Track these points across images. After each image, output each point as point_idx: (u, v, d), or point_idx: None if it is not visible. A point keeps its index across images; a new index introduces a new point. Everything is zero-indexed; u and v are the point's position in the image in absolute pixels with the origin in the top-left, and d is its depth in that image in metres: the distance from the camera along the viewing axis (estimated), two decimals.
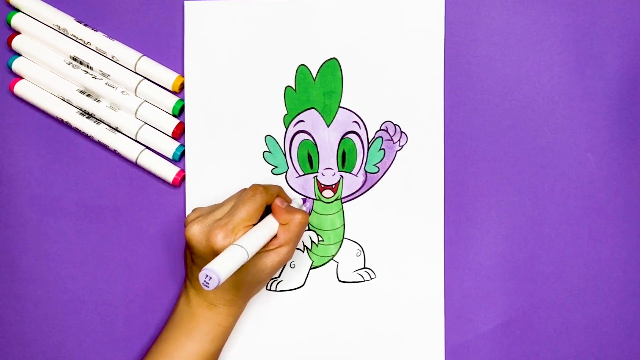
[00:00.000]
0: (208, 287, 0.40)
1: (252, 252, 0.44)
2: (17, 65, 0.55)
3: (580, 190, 0.53)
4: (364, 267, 0.54)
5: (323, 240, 0.54)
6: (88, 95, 0.55)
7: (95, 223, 0.56)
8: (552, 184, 0.53)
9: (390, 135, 0.53)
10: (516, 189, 0.53)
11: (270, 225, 0.48)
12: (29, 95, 0.55)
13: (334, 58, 0.54)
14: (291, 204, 0.52)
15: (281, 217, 0.48)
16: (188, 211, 0.54)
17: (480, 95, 0.53)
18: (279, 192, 0.51)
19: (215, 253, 0.45)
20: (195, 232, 0.47)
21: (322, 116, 0.54)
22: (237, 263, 0.42)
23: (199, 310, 0.49)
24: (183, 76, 0.54)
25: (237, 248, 0.43)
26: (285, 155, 0.54)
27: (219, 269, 0.40)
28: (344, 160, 0.54)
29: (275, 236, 0.48)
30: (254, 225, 0.47)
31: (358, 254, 0.54)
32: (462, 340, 0.54)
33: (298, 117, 0.54)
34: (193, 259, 0.48)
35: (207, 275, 0.40)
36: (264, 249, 0.47)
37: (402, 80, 0.53)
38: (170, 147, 0.54)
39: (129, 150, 0.54)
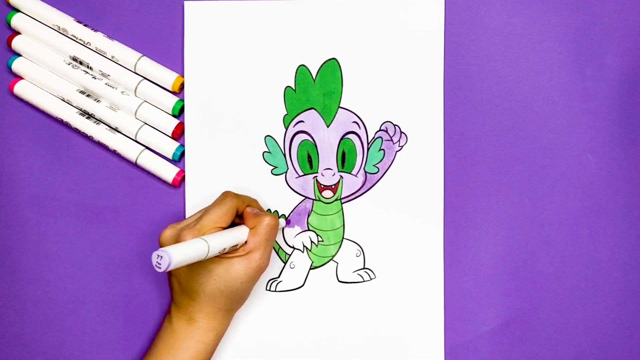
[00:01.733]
0: (160, 268, 0.39)
1: (214, 247, 0.44)
2: (17, 65, 0.56)
3: (580, 190, 0.53)
4: (364, 268, 0.54)
5: (323, 241, 0.54)
6: (88, 96, 0.55)
7: (95, 223, 0.56)
8: (552, 184, 0.53)
9: (390, 135, 0.53)
10: (516, 189, 0.53)
11: (240, 230, 0.48)
12: (29, 96, 0.55)
13: (334, 58, 0.54)
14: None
15: (249, 221, 0.49)
16: (188, 211, 0.54)
17: (480, 95, 0.53)
18: (251, 202, 0.51)
19: None
20: (166, 235, 0.48)
21: (321, 116, 0.54)
22: (193, 251, 0.42)
23: (178, 326, 0.49)
24: (183, 76, 0.54)
25: (198, 240, 0.43)
26: (285, 155, 0.54)
27: (172, 251, 0.40)
28: (344, 160, 0.54)
29: (245, 243, 0.48)
30: (224, 229, 0.47)
31: (358, 255, 0.54)
32: (462, 340, 0.54)
33: (298, 117, 0.54)
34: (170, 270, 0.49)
35: (158, 255, 0.39)
36: (235, 254, 0.47)
37: (402, 81, 0.53)
38: (170, 147, 0.54)
39: (129, 150, 0.54)
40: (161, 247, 0.48)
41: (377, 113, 0.53)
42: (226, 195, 0.49)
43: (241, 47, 0.54)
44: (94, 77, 0.55)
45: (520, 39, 0.53)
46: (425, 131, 0.53)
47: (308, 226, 0.54)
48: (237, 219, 0.50)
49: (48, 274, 0.56)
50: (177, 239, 0.47)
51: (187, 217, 0.54)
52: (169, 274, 0.50)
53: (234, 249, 0.48)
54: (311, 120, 0.54)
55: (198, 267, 0.47)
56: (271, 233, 0.49)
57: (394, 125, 0.53)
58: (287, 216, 0.54)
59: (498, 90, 0.53)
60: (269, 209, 0.54)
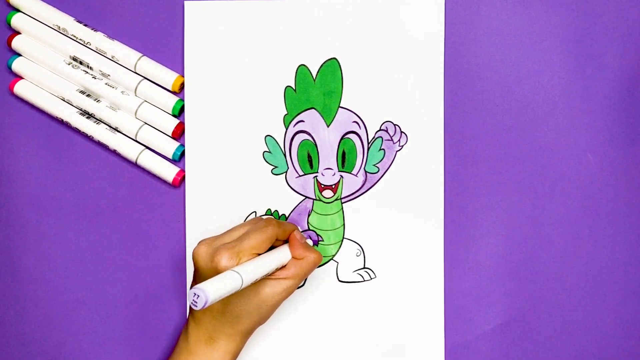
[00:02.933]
0: (196, 306, 0.39)
1: (248, 279, 0.43)
2: (17, 65, 0.56)
3: (580, 190, 0.53)
4: (364, 267, 0.54)
5: (323, 240, 0.54)
6: (88, 95, 0.55)
7: (95, 223, 0.56)
8: (552, 184, 0.53)
9: (390, 135, 0.53)
10: (516, 189, 0.53)
11: (278, 256, 0.48)
12: (29, 95, 0.55)
13: (334, 58, 0.54)
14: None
15: (297, 250, 0.49)
16: (188, 211, 0.54)
17: (480, 95, 0.53)
18: (293, 230, 0.51)
19: (218, 274, 0.44)
20: (202, 252, 0.47)
21: (322, 116, 0.54)
22: (229, 287, 0.41)
23: (196, 346, 0.48)
24: (183, 76, 0.54)
25: (232, 273, 0.43)
26: (285, 155, 0.54)
27: (208, 288, 0.40)
28: (344, 160, 0.54)
29: (283, 267, 0.48)
30: (260, 255, 0.47)
31: (358, 254, 0.54)
32: (462, 340, 0.54)
33: (298, 117, 0.54)
34: (196, 281, 0.48)
35: (195, 294, 0.39)
36: (270, 277, 0.47)
37: (402, 80, 0.53)
38: (170, 147, 0.54)
39: (129, 150, 0.54)
40: (195, 263, 0.47)
41: (377, 113, 0.53)
42: (269, 222, 0.48)
43: (241, 47, 0.54)
44: (94, 77, 0.55)
45: (520, 39, 0.53)
46: (425, 131, 0.53)
47: (308, 226, 0.54)
48: (280, 243, 0.50)
49: (48, 274, 0.56)
50: (213, 257, 0.45)
51: (187, 218, 0.54)
52: (191, 287, 0.49)
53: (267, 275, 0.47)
54: (311, 120, 0.54)
55: None
56: (313, 269, 0.49)
57: (394, 125, 0.53)
58: (287, 216, 0.54)
59: (498, 90, 0.53)
60: (268, 209, 0.54)
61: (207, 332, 0.48)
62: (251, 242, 0.46)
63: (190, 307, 0.50)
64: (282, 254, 0.48)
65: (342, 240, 0.54)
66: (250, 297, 0.46)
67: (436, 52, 0.53)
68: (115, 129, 0.55)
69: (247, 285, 0.43)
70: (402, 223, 0.54)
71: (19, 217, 0.56)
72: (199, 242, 0.48)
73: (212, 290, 0.40)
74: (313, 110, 0.54)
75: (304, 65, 0.54)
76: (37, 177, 0.56)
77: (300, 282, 0.49)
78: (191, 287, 0.49)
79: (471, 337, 0.54)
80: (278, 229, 0.48)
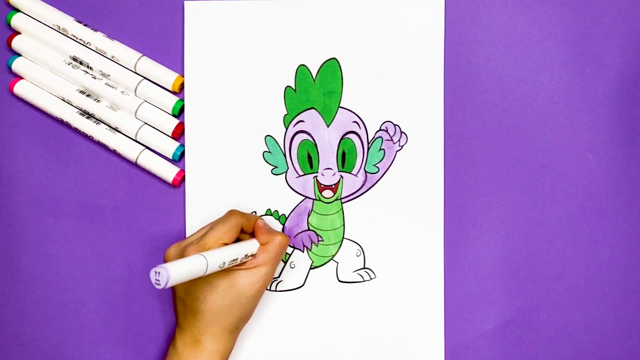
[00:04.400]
0: (159, 284, 0.39)
1: (213, 262, 0.43)
2: (17, 65, 0.56)
3: (580, 190, 0.53)
4: (364, 267, 0.54)
5: (323, 240, 0.54)
6: (88, 95, 0.55)
7: (95, 223, 0.56)
8: (552, 184, 0.53)
9: (390, 135, 0.53)
10: (516, 189, 0.53)
11: (245, 245, 0.48)
12: (29, 95, 0.55)
13: (334, 58, 0.54)
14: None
15: (262, 236, 0.49)
16: (188, 211, 0.54)
17: (480, 95, 0.53)
18: (256, 221, 0.51)
19: None
20: (170, 253, 0.48)
21: (322, 116, 0.54)
22: (193, 267, 0.41)
23: (183, 350, 0.48)
24: (183, 76, 0.54)
25: (196, 256, 0.43)
26: (285, 155, 0.54)
27: (169, 267, 0.39)
28: (344, 160, 0.54)
29: (253, 256, 0.48)
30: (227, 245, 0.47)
31: (358, 254, 0.54)
32: (462, 340, 0.54)
33: (298, 117, 0.54)
34: (173, 289, 0.49)
35: (156, 272, 0.39)
36: (241, 268, 0.47)
37: (402, 80, 0.53)
38: (170, 147, 0.54)
39: (129, 150, 0.54)
40: (164, 259, 0.48)
41: (377, 113, 0.53)
42: (231, 213, 0.49)
43: (241, 47, 0.54)
44: (94, 77, 0.55)
45: (520, 39, 0.53)
46: (425, 131, 0.53)
47: (308, 226, 0.54)
48: (242, 235, 0.50)
49: (48, 274, 0.56)
50: (181, 255, 0.47)
51: (187, 218, 0.54)
52: (173, 297, 0.50)
53: (239, 263, 0.47)
54: (311, 120, 0.54)
55: (202, 283, 0.47)
56: (282, 251, 0.49)
57: (394, 125, 0.53)
58: (287, 216, 0.54)
59: (498, 90, 0.53)
60: (268, 209, 0.54)
61: (192, 335, 0.48)
62: (215, 233, 0.47)
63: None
64: (250, 244, 0.49)
65: (342, 241, 0.54)
66: (226, 290, 0.47)
67: (436, 52, 0.53)
68: (115, 129, 0.55)
69: (214, 270, 0.44)
70: (402, 223, 0.54)
71: (19, 217, 0.56)
72: (170, 247, 0.49)
73: (174, 268, 0.39)
74: (313, 110, 0.54)
75: (304, 65, 0.54)
76: (37, 177, 0.56)
77: (273, 268, 0.49)
78: (174, 297, 0.50)
79: (471, 337, 0.54)
80: (241, 219, 0.49)
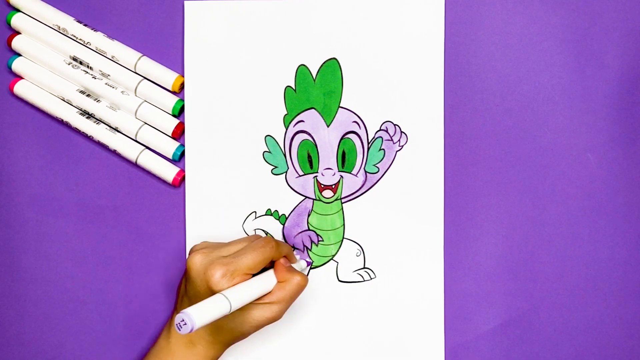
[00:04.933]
0: (180, 331, 0.40)
1: (236, 306, 0.43)
2: (17, 65, 0.56)
3: (580, 190, 0.53)
4: (364, 267, 0.54)
5: (323, 240, 0.54)
6: (88, 95, 0.55)
7: (95, 223, 0.56)
8: (552, 184, 0.53)
9: (390, 135, 0.53)
10: (516, 189, 0.53)
11: (266, 280, 0.47)
12: (29, 95, 0.55)
13: (334, 58, 0.54)
14: (295, 264, 0.52)
15: (281, 274, 0.48)
16: (188, 211, 0.54)
17: (480, 95, 0.53)
18: (288, 253, 0.50)
19: (209, 288, 0.45)
20: (197, 261, 0.46)
21: (322, 116, 0.54)
22: (216, 314, 0.42)
23: (176, 347, 0.48)
24: (183, 76, 0.54)
25: (222, 298, 0.43)
26: (285, 155, 0.54)
27: (195, 317, 0.40)
28: (344, 160, 0.54)
29: (269, 292, 0.48)
30: (254, 275, 0.47)
31: (358, 254, 0.54)
32: (462, 340, 0.54)
33: (298, 117, 0.54)
34: (187, 288, 0.48)
35: (182, 320, 0.40)
36: (256, 302, 0.47)
37: (402, 80, 0.53)
38: (170, 147, 0.54)
39: (129, 150, 0.54)
40: (187, 270, 0.47)
41: (377, 113, 0.53)
42: (268, 242, 0.48)
43: (241, 47, 0.54)
44: (94, 77, 0.55)
45: (520, 39, 0.53)
46: (425, 131, 0.53)
47: (308, 226, 0.54)
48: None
49: (48, 274, 0.56)
50: (207, 269, 0.45)
51: (187, 218, 0.54)
52: (182, 290, 0.49)
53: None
54: (311, 120, 0.54)
55: None
56: (298, 292, 0.48)
57: (394, 125, 0.53)
58: (287, 216, 0.54)
59: (498, 90, 0.53)
60: (268, 209, 0.54)
61: (188, 335, 0.48)
62: (247, 262, 0.46)
63: (175, 304, 0.50)
64: (270, 279, 0.48)
65: (342, 240, 0.54)
66: (236, 315, 0.46)
67: (436, 52, 0.53)
68: (115, 129, 0.55)
69: (235, 309, 0.44)
70: (402, 223, 0.54)
71: (19, 217, 0.56)
72: (195, 250, 0.48)
73: (199, 317, 0.40)
74: (313, 110, 0.54)
75: (304, 65, 0.54)
76: (37, 177, 0.56)
77: (286, 307, 0.48)
78: (183, 294, 0.49)
79: (471, 337, 0.54)
80: (276, 251, 0.48)
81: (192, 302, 0.47)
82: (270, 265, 0.49)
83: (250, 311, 0.46)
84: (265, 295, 0.47)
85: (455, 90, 0.53)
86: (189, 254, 0.47)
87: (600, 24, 0.52)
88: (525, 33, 0.53)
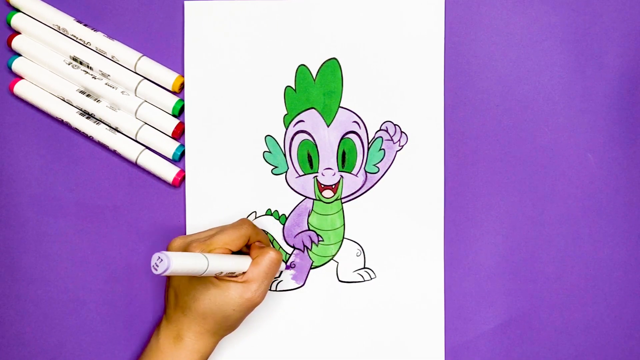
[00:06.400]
0: (157, 270, 0.39)
1: (214, 266, 0.44)
2: (17, 65, 0.55)
3: (580, 190, 0.53)
4: (364, 267, 0.54)
5: (323, 240, 0.54)
6: (88, 95, 0.55)
7: (95, 223, 0.56)
8: (552, 184, 0.53)
9: (390, 135, 0.53)
10: (516, 189, 0.53)
11: (243, 259, 0.48)
12: (29, 95, 0.55)
13: (334, 58, 0.54)
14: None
15: (254, 251, 0.49)
16: (188, 211, 0.54)
17: (480, 95, 0.53)
18: (264, 239, 0.51)
19: None
20: (175, 244, 0.49)
21: (322, 116, 0.54)
22: (193, 264, 0.42)
23: (165, 344, 0.49)
24: (183, 76, 0.54)
25: (199, 255, 0.43)
26: (285, 155, 0.54)
27: (172, 257, 0.40)
28: (344, 160, 0.54)
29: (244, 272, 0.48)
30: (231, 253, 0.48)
31: (358, 254, 0.54)
32: (462, 340, 0.54)
33: (298, 117, 0.54)
34: (170, 278, 0.49)
35: (159, 257, 0.39)
36: (232, 279, 0.47)
37: (402, 80, 0.53)
38: (170, 147, 0.54)
39: (129, 150, 0.54)
40: (167, 249, 0.49)
41: (377, 113, 0.53)
42: (244, 221, 0.50)
43: (241, 47, 0.54)
44: (94, 77, 0.55)
45: (520, 39, 0.53)
46: (425, 131, 0.53)
47: (308, 226, 0.54)
48: (244, 249, 0.50)
49: (48, 274, 0.56)
50: (185, 249, 0.47)
51: (187, 218, 0.54)
52: (167, 286, 0.50)
53: (233, 276, 0.47)
54: (311, 120, 0.54)
55: (197, 282, 0.47)
56: (272, 267, 0.49)
57: (394, 125, 0.53)
58: (287, 216, 0.54)
59: (498, 90, 0.53)
60: (268, 209, 0.54)
61: (176, 329, 0.49)
62: (223, 237, 0.47)
63: (164, 306, 0.50)
64: (247, 260, 0.49)
65: (342, 240, 0.54)
66: (216, 295, 0.47)
67: (436, 52, 0.53)
68: (115, 129, 0.55)
69: (212, 272, 0.44)
70: (402, 223, 0.54)
71: (19, 217, 0.56)
72: (176, 237, 0.49)
73: (175, 259, 0.40)
74: (313, 110, 0.54)
75: (304, 65, 0.54)
76: (37, 177, 0.56)
77: (264, 284, 0.48)
78: (168, 286, 0.50)
79: (471, 337, 0.54)
80: (252, 230, 0.49)
81: (176, 290, 0.49)
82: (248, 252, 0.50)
83: (229, 290, 0.47)
84: (242, 274, 0.48)
85: (455, 90, 0.53)
86: (170, 242, 0.49)
87: (600, 24, 0.52)
88: (525, 33, 0.53)
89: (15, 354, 0.56)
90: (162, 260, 0.39)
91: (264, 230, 0.53)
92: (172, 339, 0.49)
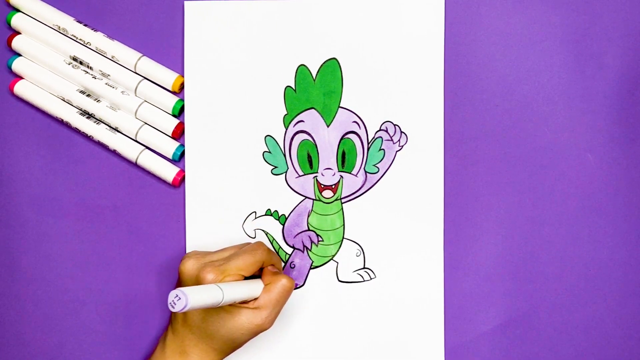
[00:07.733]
0: (174, 307, 0.40)
1: (228, 297, 0.44)
2: (17, 65, 0.56)
3: (580, 190, 0.53)
4: (364, 267, 0.54)
5: (323, 240, 0.54)
6: (88, 95, 0.55)
7: (95, 223, 0.56)
8: (552, 184, 0.53)
9: (390, 135, 0.53)
10: (516, 189, 0.53)
11: (255, 283, 0.48)
12: (29, 95, 0.55)
13: (334, 58, 0.54)
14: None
15: (267, 277, 0.49)
16: (188, 211, 0.54)
17: (480, 95, 0.53)
18: (276, 262, 0.51)
19: None
20: (189, 266, 0.48)
21: (322, 116, 0.54)
22: (210, 299, 0.42)
23: (171, 357, 0.49)
24: (183, 76, 0.54)
25: (214, 287, 0.43)
26: (285, 155, 0.54)
27: (190, 294, 0.40)
28: (344, 160, 0.54)
29: (257, 298, 0.48)
30: (245, 279, 0.47)
31: (358, 254, 0.54)
32: (462, 340, 0.54)
33: (298, 117, 0.54)
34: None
35: (176, 295, 0.40)
36: (244, 305, 0.47)
37: (402, 80, 0.53)
38: (170, 147, 0.54)
39: (129, 150, 0.54)
40: (180, 275, 0.48)
41: (377, 113, 0.53)
42: (259, 246, 0.49)
43: (241, 47, 0.54)
44: (94, 77, 0.55)
45: (520, 39, 0.53)
46: (425, 131, 0.53)
47: (308, 226, 0.54)
48: (257, 271, 0.50)
49: (48, 274, 0.56)
50: (198, 273, 0.46)
51: (187, 218, 0.54)
52: None
53: (245, 301, 0.47)
54: (311, 120, 0.54)
55: None
56: (284, 295, 0.48)
57: (394, 125, 0.53)
58: (287, 216, 0.54)
59: (498, 90, 0.53)
60: (268, 209, 0.54)
61: (182, 344, 0.48)
62: (238, 263, 0.47)
63: (170, 317, 0.50)
64: (259, 284, 0.48)
65: (342, 241, 0.54)
66: (226, 320, 0.47)
67: (436, 52, 0.53)
68: (115, 129, 0.55)
69: (227, 303, 0.44)
70: (402, 223, 0.54)
71: (19, 217, 0.56)
72: (187, 256, 0.49)
73: (193, 296, 0.40)
74: (313, 110, 0.54)
75: (304, 65, 0.54)
76: (37, 177, 0.56)
77: (275, 311, 0.48)
78: (172, 319, 0.50)
79: (471, 337, 0.54)
80: (267, 255, 0.49)
81: None
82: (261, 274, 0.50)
83: (239, 316, 0.47)
84: (254, 300, 0.48)
85: (455, 90, 0.53)
86: (181, 261, 0.48)
87: (600, 24, 0.52)
88: (525, 33, 0.53)
89: (15, 354, 0.56)
90: (179, 298, 0.40)
91: (276, 253, 0.53)
92: (178, 354, 0.48)
